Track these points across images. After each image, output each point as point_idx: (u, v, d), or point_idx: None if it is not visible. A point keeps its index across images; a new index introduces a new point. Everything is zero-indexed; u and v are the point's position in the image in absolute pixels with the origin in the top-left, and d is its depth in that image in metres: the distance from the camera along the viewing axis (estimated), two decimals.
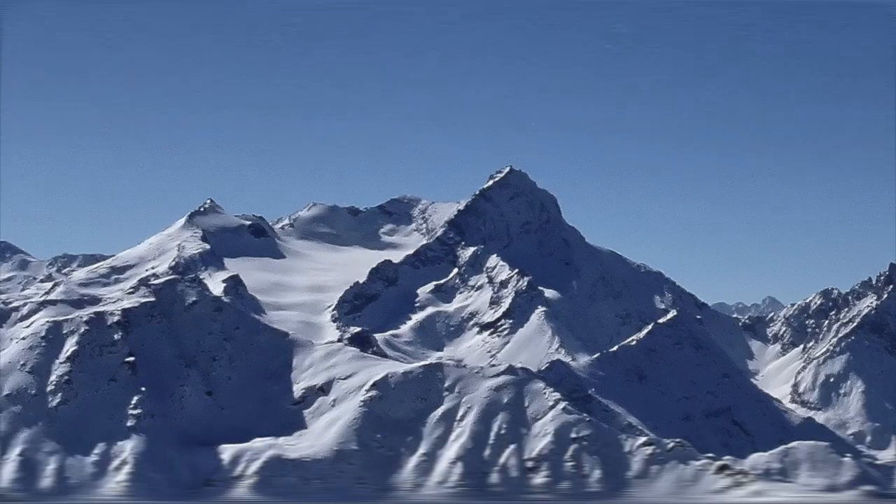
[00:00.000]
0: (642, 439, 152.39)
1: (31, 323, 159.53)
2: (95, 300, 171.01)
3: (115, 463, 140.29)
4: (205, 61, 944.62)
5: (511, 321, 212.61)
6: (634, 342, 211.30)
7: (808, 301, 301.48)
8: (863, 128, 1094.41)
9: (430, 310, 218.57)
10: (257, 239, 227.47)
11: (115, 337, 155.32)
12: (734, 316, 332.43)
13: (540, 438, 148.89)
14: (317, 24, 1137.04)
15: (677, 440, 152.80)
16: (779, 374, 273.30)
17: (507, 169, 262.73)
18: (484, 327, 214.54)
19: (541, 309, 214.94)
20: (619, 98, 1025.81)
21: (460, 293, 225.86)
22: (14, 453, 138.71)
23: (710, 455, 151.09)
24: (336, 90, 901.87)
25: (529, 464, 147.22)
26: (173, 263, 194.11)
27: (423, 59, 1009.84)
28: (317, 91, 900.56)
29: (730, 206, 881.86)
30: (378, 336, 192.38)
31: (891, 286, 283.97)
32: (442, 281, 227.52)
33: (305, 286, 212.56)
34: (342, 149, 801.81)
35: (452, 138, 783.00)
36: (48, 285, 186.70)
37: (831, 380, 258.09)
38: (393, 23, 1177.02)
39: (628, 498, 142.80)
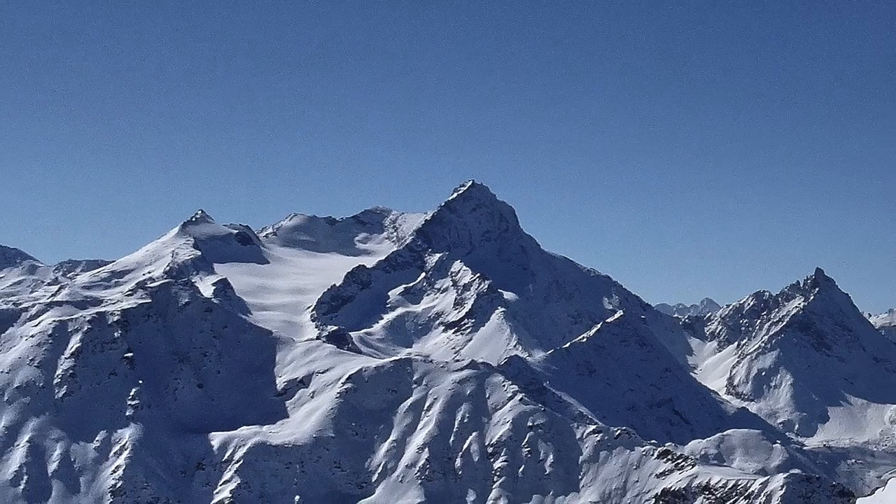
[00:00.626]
0: (592, 427, 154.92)
1: (39, 322, 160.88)
2: (97, 301, 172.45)
3: (115, 449, 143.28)
4: (196, 86, 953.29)
5: (473, 320, 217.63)
6: (585, 340, 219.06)
7: (741, 302, 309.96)
8: (792, 140, 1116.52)
9: (399, 310, 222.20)
10: (243, 246, 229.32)
11: (115, 335, 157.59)
12: (675, 316, 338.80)
13: (499, 427, 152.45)
14: (298, 51, 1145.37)
15: (623, 428, 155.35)
16: (715, 369, 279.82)
17: (470, 183, 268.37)
18: (449, 326, 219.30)
19: (500, 310, 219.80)
20: (571, 118, 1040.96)
21: (427, 295, 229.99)
22: (24, 440, 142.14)
23: (654, 441, 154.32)
24: (316, 111, 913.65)
25: (490, 449, 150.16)
26: (168, 268, 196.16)
27: (395, 83, 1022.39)
28: (298, 112, 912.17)
29: (672, 216, 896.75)
30: (353, 334, 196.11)
31: (817, 289, 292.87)
32: (411, 284, 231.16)
33: (287, 289, 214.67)
34: (321, 164, 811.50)
35: (420, 155, 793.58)
36: (54, 288, 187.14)
37: (763, 373, 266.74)
38: (367, 51, 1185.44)
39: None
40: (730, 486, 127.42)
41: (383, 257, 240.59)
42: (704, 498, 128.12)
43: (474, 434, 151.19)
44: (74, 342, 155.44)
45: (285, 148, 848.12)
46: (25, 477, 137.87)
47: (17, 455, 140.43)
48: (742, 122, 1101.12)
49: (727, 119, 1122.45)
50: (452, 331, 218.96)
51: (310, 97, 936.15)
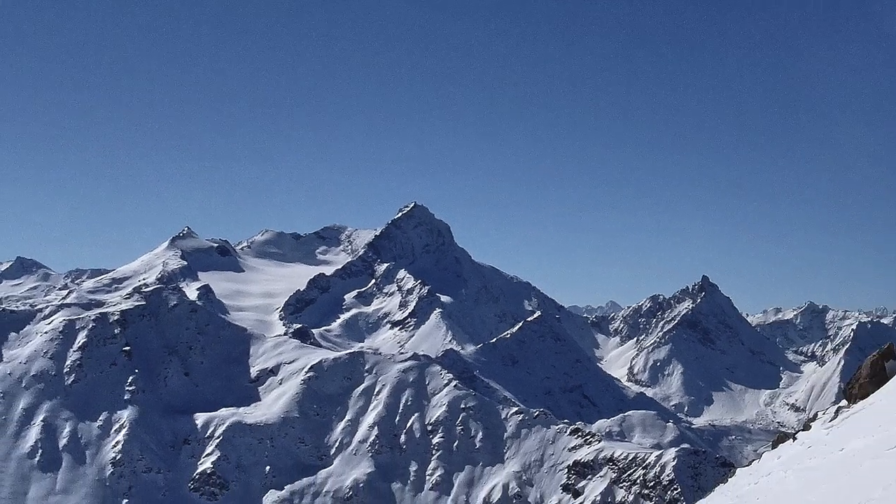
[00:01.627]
0: (514, 409, 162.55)
1: (51, 321, 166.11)
2: (100, 304, 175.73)
3: (115, 427, 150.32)
4: (181, 121, 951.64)
5: (415, 319, 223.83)
6: (509, 335, 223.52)
7: (640, 304, 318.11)
8: (681, 167, 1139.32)
9: (353, 311, 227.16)
10: (223, 257, 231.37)
11: (115, 332, 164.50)
12: (584, 315, 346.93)
13: (437, 408, 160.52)
14: (265, 86, 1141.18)
15: (541, 409, 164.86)
16: (618, 360, 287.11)
17: (413, 204, 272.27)
18: (395, 324, 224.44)
19: (437, 310, 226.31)
20: (498, 150, 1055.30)
21: (377, 298, 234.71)
22: (38, 419, 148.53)
23: (566, 421, 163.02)
24: (284, 143, 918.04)
25: (429, 427, 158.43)
26: (159, 276, 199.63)
27: (350, 120, 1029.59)
28: (270, 144, 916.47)
29: (582, 231, 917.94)
30: (314, 331, 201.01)
31: (703, 293, 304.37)
32: (363, 289, 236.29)
33: (259, 293, 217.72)
34: (288, 188, 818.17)
35: (371, 180, 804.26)
36: (64, 292, 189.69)
37: (657, 364, 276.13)
38: (325, 92, 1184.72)
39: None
40: (630, 458, 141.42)
41: (340, 266, 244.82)
42: (609, 468, 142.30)
43: (416, 415, 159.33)
44: (81, 338, 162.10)
45: (259, 174, 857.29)
46: (40, 451, 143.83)
47: (33, 432, 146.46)
48: (639, 152, 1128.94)
49: (625, 150, 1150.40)
50: (398, 328, 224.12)
51: (279, 132, 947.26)
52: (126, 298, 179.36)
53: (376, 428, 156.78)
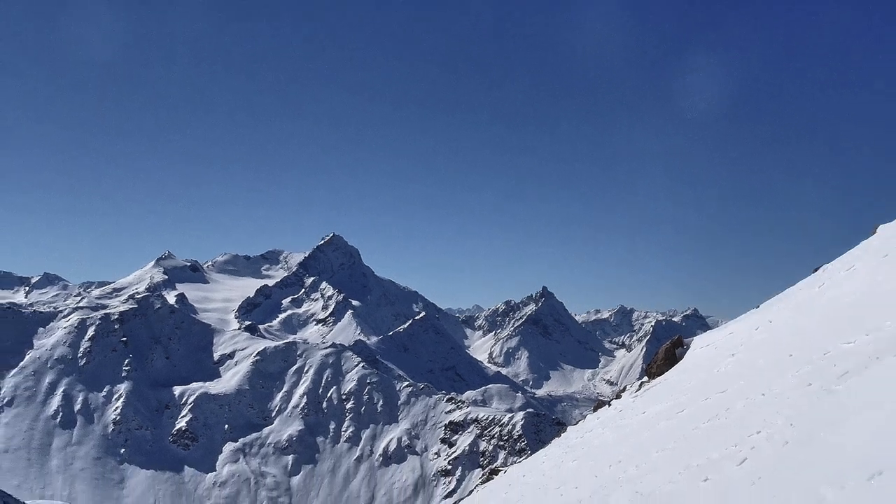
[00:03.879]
0: (406, 383, 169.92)
1: (69, 319, 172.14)
2: (104, 307, 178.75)
3: (115, 396, 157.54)
4: (165, 173, 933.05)
5: (333, 318, 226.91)
6: (402, 330, 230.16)
7: (497, 307, 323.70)
8: (528, 195, 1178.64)
9: (288, 312, 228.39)
10: (194, 273, 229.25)
11: (115, 327, 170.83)
12: (456, 315, 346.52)
13: (349, 383, 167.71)
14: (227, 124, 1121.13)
15: (425, 383, 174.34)
16: (481, 348, 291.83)
17: (332, 234, 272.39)
18: (319, 322, 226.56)
19: (350, 312, 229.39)
20: (391, 192, 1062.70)
21: (305, 303, 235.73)
22: (60, 391, 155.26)
23: (444, 392, 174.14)
24: (236, 188, 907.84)
25: (343, 397, 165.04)
26: (148, 286, 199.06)
27: (281, 164, 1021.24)
28: (226, 188, 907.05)
29: (454, 252, 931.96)
30: (260, 326, 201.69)
31: (543, 298, 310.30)
32: (295, 296, 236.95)
33: (220, 299, 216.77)
34: (242, 221, 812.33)
35: (302, 215, 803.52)
36: (78, 298, 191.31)
37: (510, 350, 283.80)
38: (272, 123, 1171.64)
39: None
40: (490, 418, 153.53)
41: (279, 280, 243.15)
42: (474, 426, 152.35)
43: (334, 387, 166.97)
44: (90, 332, 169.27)
45: (221, 212, 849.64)
46: (60, 413, 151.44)
47: (55, 400, 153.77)
48: (491, 197, 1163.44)
49: (481, 197, 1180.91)
50: (321, 325, 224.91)
51: (236, 180, 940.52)
52: (123, 303, 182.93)
53: (305, 397, 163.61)
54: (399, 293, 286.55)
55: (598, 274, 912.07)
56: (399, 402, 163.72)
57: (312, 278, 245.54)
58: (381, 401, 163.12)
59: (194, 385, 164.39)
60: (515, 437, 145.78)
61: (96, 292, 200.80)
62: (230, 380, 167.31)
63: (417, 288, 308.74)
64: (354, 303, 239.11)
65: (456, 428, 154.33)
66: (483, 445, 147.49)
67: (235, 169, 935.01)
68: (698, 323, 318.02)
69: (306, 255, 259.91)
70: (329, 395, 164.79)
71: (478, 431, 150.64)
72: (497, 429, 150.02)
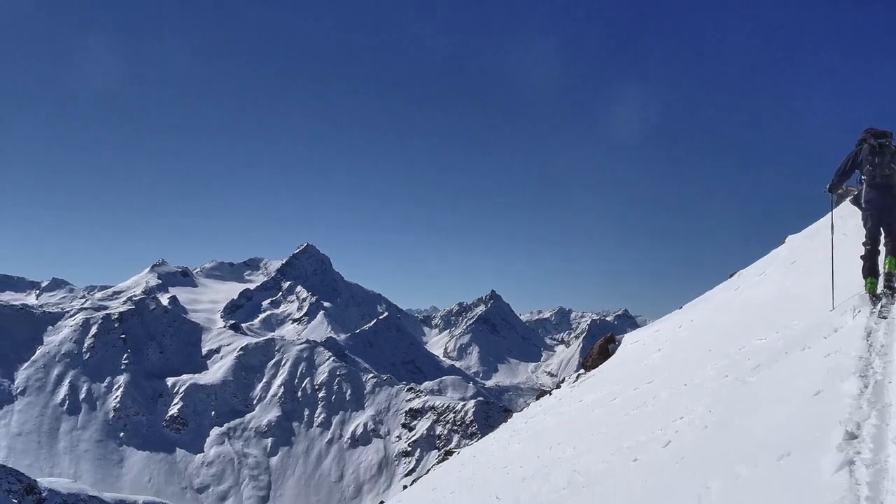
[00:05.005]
0: (371, 375, 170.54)
1: (75, 319, 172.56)
2: (106, 307, 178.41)
3: (115, 386, 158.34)
4: (163, 185, 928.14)
5: (308, 318, 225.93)
6: (367, 328, 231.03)
7: (451, 308, 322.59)
8: (476, 198, 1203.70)
9: (268, 312, 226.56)
10: (184, 278, 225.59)
11: (115, 325, 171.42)
12: (415, 315, 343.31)
13: (321, 374, 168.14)
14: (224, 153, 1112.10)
15: (388, 375, 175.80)
16: (437, 344, 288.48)
17: (306, 244, 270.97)
18: (295, 321, 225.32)
19: (322, 312, 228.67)
20: (357, 206, 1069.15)
21: (283, 304, 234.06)
22: (66, 381, 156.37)
23: (405, 382, 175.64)
24: (223, 203, 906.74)
25: (317, 387, 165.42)
26: (144, 290, 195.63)
27: (261, 182, 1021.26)
28: (215, 201, 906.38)
29: (414, 260, 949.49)
30: (243, 325, 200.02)
31: (492, 300, 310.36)
32: (274, 298, 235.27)
33: (208, 301, 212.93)
34: (227, 232, 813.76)
35: (280, 227, 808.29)
36: (82, 300, 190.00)
37: (462, 346, 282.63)
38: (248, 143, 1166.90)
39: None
40: (445, 406, 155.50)
41: (259, 284, 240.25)
42: (431, 412, 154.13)
43: (308, 378, 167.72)
44: (93, 329, 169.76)
45: (209, 224, 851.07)
46: (67, 402, 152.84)
47: (63, 389, 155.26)
48: (444, 210, 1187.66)
49: (434, 209, 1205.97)
50: (296, 323, 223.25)
51: (220, 193, 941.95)
52: (122, 304, 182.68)
53: (282, 387, 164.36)
54: (365, 296, 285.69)
55: (540, 279, 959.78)
56: (365, 392, 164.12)
57: (289, 283, 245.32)
58: (349, 390, 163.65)
59: (185, 376, 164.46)
60: (468, 422, 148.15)
61: (98, 295, 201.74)
62: (216, 372, 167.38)
63: (381, 291, 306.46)
64: (326, 304, 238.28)
65: (415, 414, 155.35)
66: (439, 430, 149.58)
67: (222, 186, 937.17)
68: (628, 322, 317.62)
69: (283, 263, 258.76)
70: (303, 385, 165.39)
71: (434, 417, 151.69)
72: (451, 415, 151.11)
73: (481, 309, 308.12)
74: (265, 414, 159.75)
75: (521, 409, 23.13)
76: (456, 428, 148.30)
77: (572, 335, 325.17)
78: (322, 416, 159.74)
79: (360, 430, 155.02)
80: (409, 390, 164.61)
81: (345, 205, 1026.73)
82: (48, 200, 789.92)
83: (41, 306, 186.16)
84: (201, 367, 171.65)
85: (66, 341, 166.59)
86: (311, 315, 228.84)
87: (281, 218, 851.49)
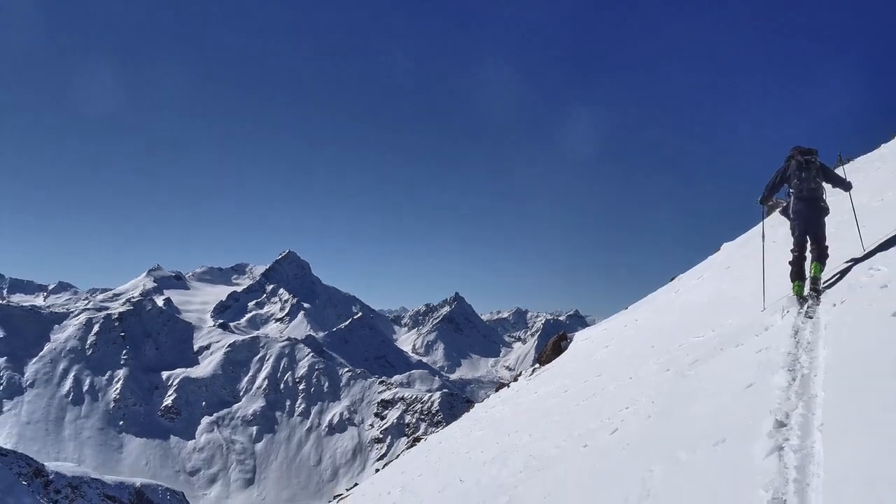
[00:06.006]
0: (346, 369, 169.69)
1: (79, 318, 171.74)
2: (107, 308, 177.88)
3: (115, 379, 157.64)
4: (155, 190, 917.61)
5: (289, 317, 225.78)
6: (343, 326, 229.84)
7: (419, 308, 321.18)
8: (442, 209, 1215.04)
9: (253, 312, 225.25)
10: (178, 281, 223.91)
11: (116, 324, 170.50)
12: (386, 314, 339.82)
13: (301, 368, 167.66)
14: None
15: (362, 369, 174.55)
16: (407, 341, 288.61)
17: (287, 251, 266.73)
18: (278, 320, 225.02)
19: (302, 312, 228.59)
20: (335, 216, 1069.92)
21: (267, 305, 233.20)
22: (71, 375, 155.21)
23: (377, 375, 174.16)
24: (212, 215, 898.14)
25: (297, 379, 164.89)
26: (141, 292, 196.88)
27: (246, 193, 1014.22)
28: (208, 212, 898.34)
29: (384, 264, 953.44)
30: (231, 324, 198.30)
31: (455, 302, 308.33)
32: (259, 300, 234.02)
33: (199, 302, 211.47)
34: (216, 240, 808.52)
35: (263, 237, 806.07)
36: (86, 302, 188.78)
37: (429, 343, 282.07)
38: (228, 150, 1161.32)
39: None
40: (414, 397, 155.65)
41: (245, 287, 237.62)
42: (401, 403, 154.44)
43: (289, 372, 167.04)
44: (96, 328, 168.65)
45: (199, 233, 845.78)
46: (72, 393, 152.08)
47: (68, 382, 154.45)
48: (418, 209, 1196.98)
49: (412, 207, 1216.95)
50: (279, 322, 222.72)
51: (210, 206, 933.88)
52: (122, 305, 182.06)
53: (266, 380, 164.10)
54: (341, 297, 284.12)
55: (499, 282, 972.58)
56: (341, 384, 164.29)
57: (272, 286, 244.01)
58: (326, 383, 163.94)
59: (178, 370, 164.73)
60: (434, 411, 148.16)
61: (100, 297, 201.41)
62: (207, 366, 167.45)
63: (356, 293, 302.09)
64: (305, 305, 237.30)
65: (386, 404, 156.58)
66: (408, 418, 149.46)
67: (212, 199, 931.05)
68: (579, 321, 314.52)
69: (267, 268, 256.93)
70: (285, 378, 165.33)
71: (404, 407, 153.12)
72: (419, 405, 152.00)
73: (446, 309, 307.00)
74: (251, 404, 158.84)
75: (482, 400, 22.75)
76: (423, 417, 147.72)
77: (528, 333, 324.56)
78: (302, 406, 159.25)
79: (336, 419, 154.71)
80: (380, 383, 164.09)
81: (323, 215, 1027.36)
82: (55, 212, 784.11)
83: (48, 307, 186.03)
84: (193, 362, 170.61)
85: (70, 339, 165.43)
86: (292, 315, 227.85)
87: (265, 227, 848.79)
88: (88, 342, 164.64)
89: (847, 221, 9.20)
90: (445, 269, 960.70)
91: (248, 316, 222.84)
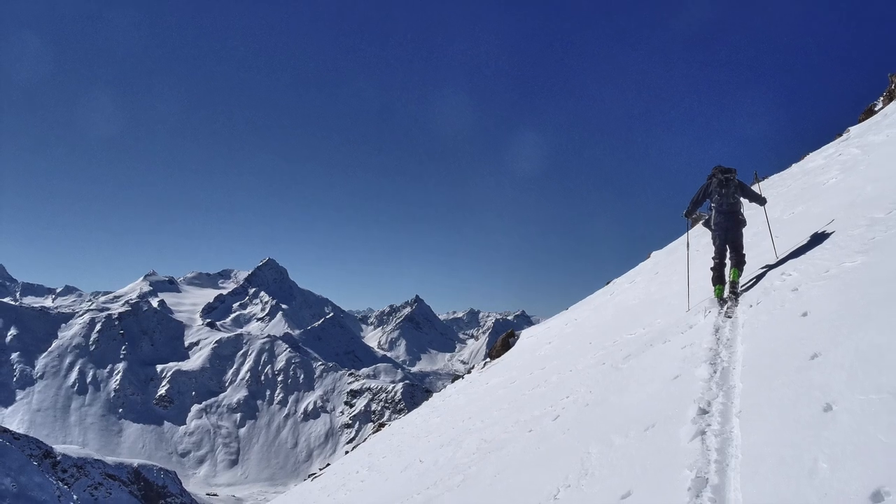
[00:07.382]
0: (320, 363, 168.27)
1: (83, 317, 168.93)
2: (108, 309, 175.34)
3: (115, 372, 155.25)
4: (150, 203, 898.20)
5: (270, 317, 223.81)
6: (317, 325, 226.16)
7: (384, 309, 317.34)
8: (404, 220, 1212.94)
9: (237, 312, 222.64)
10: (171, 285, 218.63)
11: (116, 323, 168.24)
12: (355, 314, 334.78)
13: (280, 362, 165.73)
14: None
15: (333, 363, 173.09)
16: (373, 337, 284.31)
17: (268, 258, 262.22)
18: (259, 319, 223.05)
19: (280, 312, 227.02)
20: (308, 226, 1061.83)
21: (250, 306, 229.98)
22: (76, 368, 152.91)
23: (346, 368, 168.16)
24: (202, 225, 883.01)
25: (277, 371, 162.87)
26: (138, 295, 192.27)
27: (231, 205, 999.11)
28: (198, 223, 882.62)
29: (353, 272, 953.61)
30: (218, 322, 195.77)
31: (416, 303, 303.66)
32: (242, 301, 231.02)
33: (189, 304, 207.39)
34: (204, 248, 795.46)
35: (246, 245, 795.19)
36: (89, 303, 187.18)
37: (393, 339, 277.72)
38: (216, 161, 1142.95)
39: None
40: (379, 387, 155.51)
41: (230, 290, 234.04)
42: (368, 392, 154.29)
43: (269, 366, 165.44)
44: (98, 326, 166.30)
45: (189, 242, 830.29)
46: (77, 384, 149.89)
47: (73, 374, 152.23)
48: (382, 221, 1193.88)
49: (377, 219, 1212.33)
50: (260, 322, 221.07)
51: (201, 217, 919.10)
52: (121, 306, 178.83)
53: (249, 372, 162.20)
54: (315, 299, 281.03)
55: (455, 285, 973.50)
56: (315, 376, 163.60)
57: (254, 289, 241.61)
58: (302, 375, 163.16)
59: (171, 364, 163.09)
60: (397, 400, 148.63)
61: (102, 298, 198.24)
62: (196, 360, 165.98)
63: (328, 296, 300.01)
64: (283, 306, 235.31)
65: (355, 394, 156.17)
66: (374, 406, 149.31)
67: (201, 214, 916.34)
68: (525, 320, 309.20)
69: (250, 273, 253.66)
70: (265, 371, 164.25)
71: (370, 396, 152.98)
72: (384, 395, 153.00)
73: (408, 310, 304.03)
74: (235, 394, 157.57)
75: (440, 390, 22.30)
76: (388, 405, 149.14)
77: (480, 331, 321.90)
78: (280, 395, 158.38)
79: (310, 407, 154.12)
80: (350, 375, 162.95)
81: (300, 226, 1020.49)
82: (63, 224, 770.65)
83: (56, 308, 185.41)
84: (184, 356, 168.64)
85: (76, 336, 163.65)
86: (271, 315, 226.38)
87: (248, 237, 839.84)
88: (92, 339, 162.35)
89: (762, 232, 9.27)
90: (407, 273, 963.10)
91: (232, 316, 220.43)
